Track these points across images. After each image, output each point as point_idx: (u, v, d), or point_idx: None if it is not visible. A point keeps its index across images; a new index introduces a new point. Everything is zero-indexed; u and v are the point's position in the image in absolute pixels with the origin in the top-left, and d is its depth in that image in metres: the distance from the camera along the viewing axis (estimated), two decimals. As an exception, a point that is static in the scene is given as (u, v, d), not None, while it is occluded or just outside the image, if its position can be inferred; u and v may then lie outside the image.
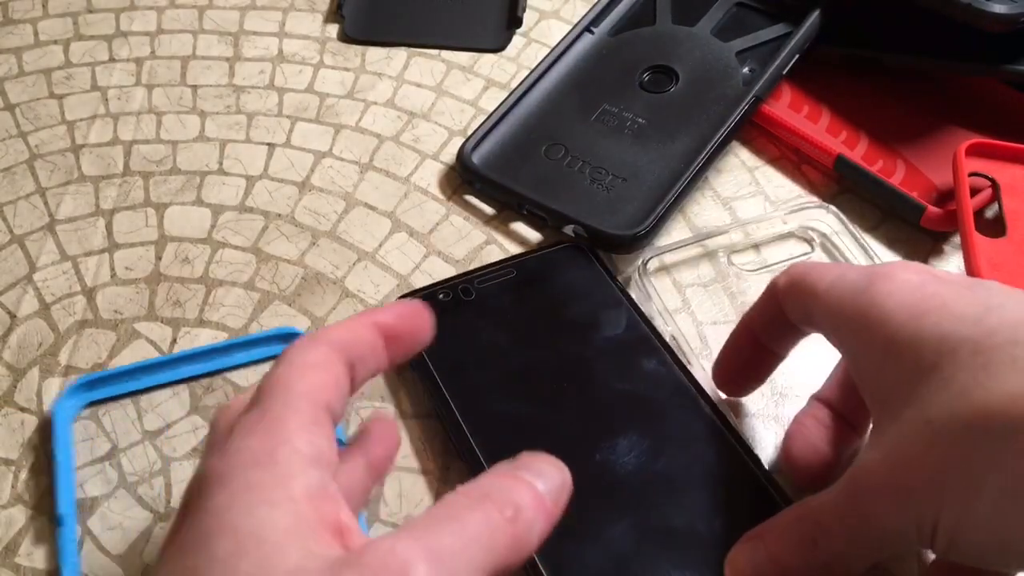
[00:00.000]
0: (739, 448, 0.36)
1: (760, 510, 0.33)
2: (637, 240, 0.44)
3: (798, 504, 0.30)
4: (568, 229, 0.45)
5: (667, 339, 0.40)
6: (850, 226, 0.45)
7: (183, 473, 0.38)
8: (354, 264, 0.45)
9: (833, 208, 0.46)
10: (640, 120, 0.49)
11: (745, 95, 0.49)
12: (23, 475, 0.37)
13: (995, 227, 0.44)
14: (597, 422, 0.37)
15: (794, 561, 0.29)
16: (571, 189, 0.47)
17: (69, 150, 0.50)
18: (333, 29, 0.58)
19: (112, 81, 0.54)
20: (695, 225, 0.47)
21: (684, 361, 0.39)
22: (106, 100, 0.53)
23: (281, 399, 0.24)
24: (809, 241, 0.46)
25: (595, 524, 0.34)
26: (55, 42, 0.56)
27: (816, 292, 0.31)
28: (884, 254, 0.46)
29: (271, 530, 0.21)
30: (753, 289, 0.45)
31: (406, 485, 0.37)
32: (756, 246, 0.46)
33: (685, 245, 0.45)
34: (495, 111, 0.51)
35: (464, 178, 0.49)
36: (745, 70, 0.51)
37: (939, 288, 0.28)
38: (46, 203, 0.48)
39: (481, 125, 0.50)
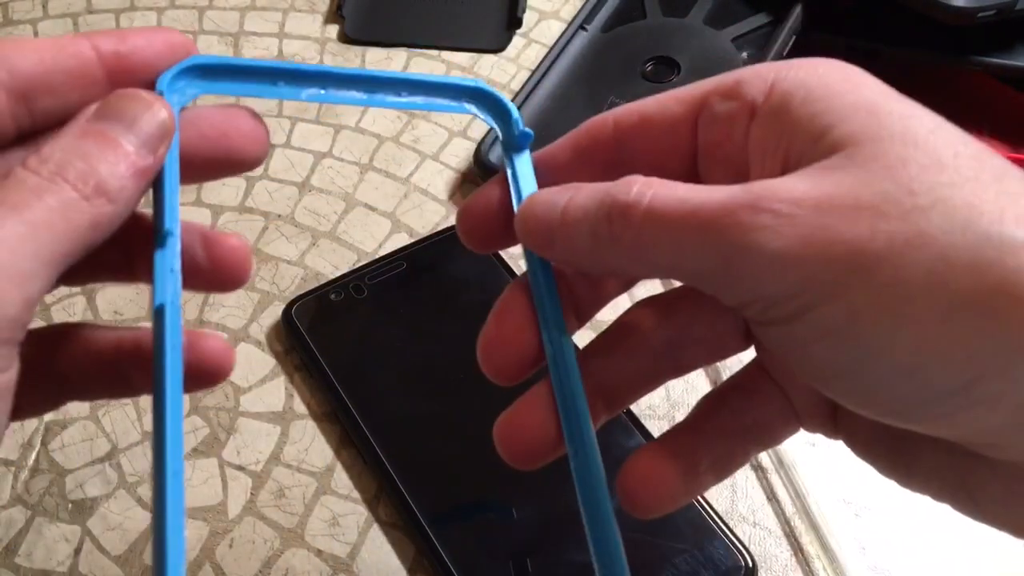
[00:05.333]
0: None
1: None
2: None
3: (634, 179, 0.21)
4: None
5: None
6: None
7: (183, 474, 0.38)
8: (354, 265, 0.45)
9: None
10: None
11: None
12: (23, 475, 0.37)
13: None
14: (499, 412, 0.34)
15: (580, 230, 0.21)
16: None
17: (69, 151, 0.50)
18: (333, 30, 0.58)
19: (112, 82, 0.54)
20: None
21: None
22: (106, 101, 0.53)
23: None
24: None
25: (499, 517, 0.35)
26: (55, 43, 0.56)
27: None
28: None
29: None
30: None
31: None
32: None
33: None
34: None
35: (484, 179, 0.49)
36: (743, 55, 0.52)
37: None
38: (46, 204, 0.48)
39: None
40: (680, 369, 0.24)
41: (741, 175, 0.22)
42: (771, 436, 0.25)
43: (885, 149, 0.18)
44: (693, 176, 0.23)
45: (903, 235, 0.17)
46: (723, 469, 0.24)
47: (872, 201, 0.18)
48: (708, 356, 0.25)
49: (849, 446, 0.24)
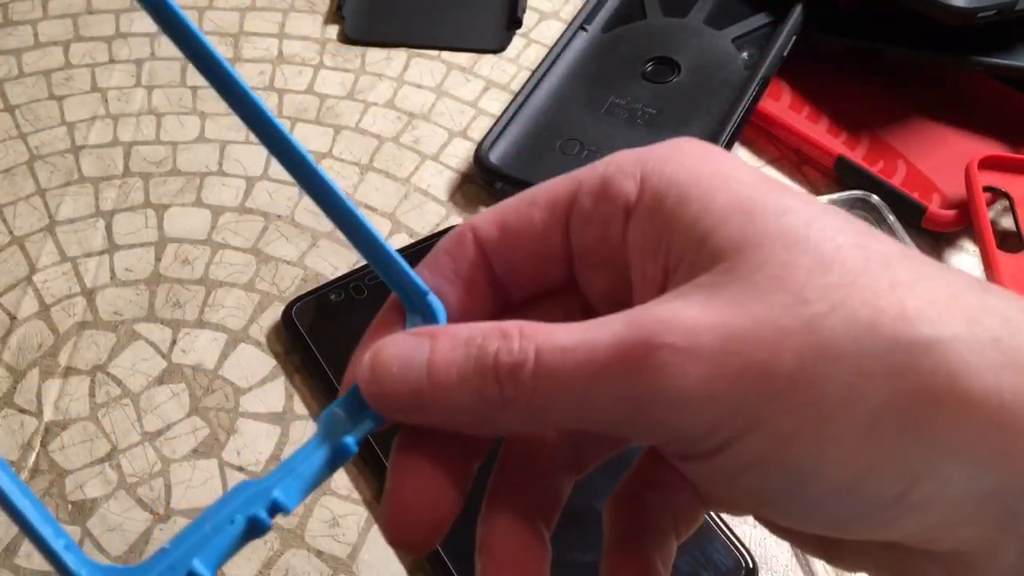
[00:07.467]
0: None
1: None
2: None
3: (511, 324, 0.19)
4: None
5: None
6: None
7: (183, 474, 0.38)
8: (354, 265, 0.45)
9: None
10: (650, 110, 0.50)
11: (751, 78, 0.50)
12: (23, 476, 0.37)
13: (1012, 242, 0.44)
14: None
15: (462, 395, 0.19)
16: None
17: (69, 151, 0.50)
18: (333, 30, 0.58)
19: (112, 82, 0.54)
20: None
21: None
22: (106, 101, 0.53)
23: None
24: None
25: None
26: (55, 43, 0.56)
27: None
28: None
29: None
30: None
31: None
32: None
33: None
34: (504, 112, 0.51)
35: (484, 179, 0.49)
36: (744, 55, 0.52)
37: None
38: (46, 204, 0.48)
39: (492, 127, 0.50)
40: (583, 468, 0.23)
41: (621, 276, 0.21)
42: (688, 525, 0.22)
43: (767, 255, 0.18)
44: (571, 279, 0.22)
45: (810, 349, 0.17)
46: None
47: (770, 317, 0.17)
48: (611, 449, 0.23)
49: (768, 528, 0.22)
